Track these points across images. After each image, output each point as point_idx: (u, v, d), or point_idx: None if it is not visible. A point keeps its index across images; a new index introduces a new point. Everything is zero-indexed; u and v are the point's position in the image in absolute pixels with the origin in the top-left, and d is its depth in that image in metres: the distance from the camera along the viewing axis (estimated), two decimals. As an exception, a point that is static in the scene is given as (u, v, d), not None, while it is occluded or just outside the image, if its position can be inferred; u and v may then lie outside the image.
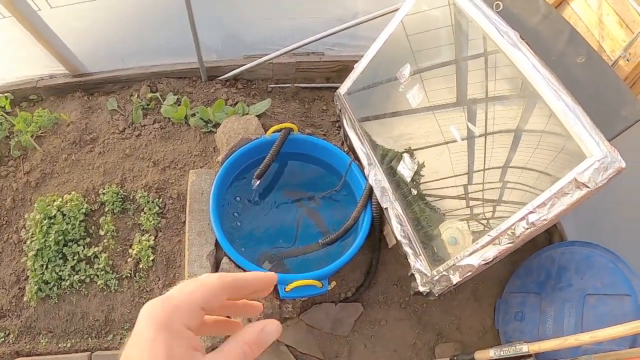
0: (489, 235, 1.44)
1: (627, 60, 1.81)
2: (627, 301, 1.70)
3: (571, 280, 1.81)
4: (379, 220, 1.73)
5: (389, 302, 1.84)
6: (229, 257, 1.68)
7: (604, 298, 1.74)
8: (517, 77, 1.47)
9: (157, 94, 2.05)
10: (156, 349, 0.40)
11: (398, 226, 1.63)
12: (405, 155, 1.64)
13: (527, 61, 1.46)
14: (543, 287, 1.86)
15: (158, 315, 0.41)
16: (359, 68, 1.80)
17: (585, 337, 1.52)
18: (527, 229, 1.36)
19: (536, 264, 1.92)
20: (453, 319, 1.89)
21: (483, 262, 1.45)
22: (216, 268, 1.72)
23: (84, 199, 1.94)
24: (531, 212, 1.35)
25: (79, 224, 1.91)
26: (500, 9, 1.82)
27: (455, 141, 1.55)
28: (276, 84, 2.16)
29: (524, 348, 1.63)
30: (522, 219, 1.37)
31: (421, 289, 1.63)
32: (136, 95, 2.08)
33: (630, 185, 1.83)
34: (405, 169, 1.64)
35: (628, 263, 1.76)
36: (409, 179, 1.62)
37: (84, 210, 1.92)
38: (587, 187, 1.25)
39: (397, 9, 1.76)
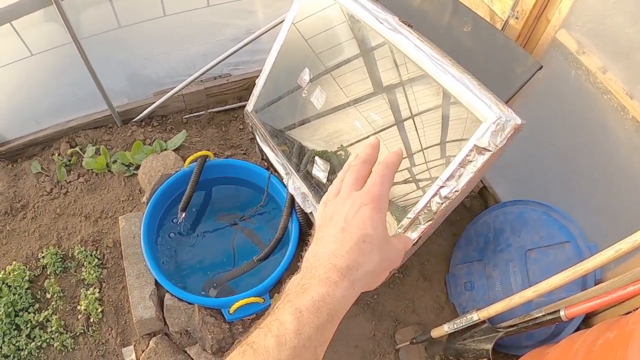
0: (407, 217, 1.47)
1: (517, 18, 1.86)
2: (568, 247, 1.73)
3: (509, 240, 1.85)
4: (307, 225, 1.75)
5: (338, 301, 1.86)
6: (171, 293, 1.70)
7: (545, 250, 1.78)
8: (407, 60, 1.48)
9: (77, 148, 2.06)
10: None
11: (325, 228, 1.66)
12: (317, 158, 1.67)
13: (409, 43, 1.48)
14: (484, 253, 1.90)
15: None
16: (259, 83, 1.83)
17: (528, 293, 1.56)
18: (442, 203, 1.39)
19: (474, 233, 1.96)
20: (407, 302, 1.92)
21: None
22: (160, 306, 1.73)
23: (26, 267, 1.95)
24: (442, 187, 1.37)
25: (25, 292, 1.91)
26: (379, -3, 1.86)
27: (382, 130, 1.56)
28: (190, 113, 2.18)
29: (475, 316, 1.65)
30: (435, 194, 1.39)
31: (360, 283, 1.66)
32: (57, 154, 2.09)
33: (549, 132, 1.87)
34: (319, 172, 1.67)
35: (561, 210, 1.80)
36: (324, 180, 1.65)
37: (27, 278, 1.93)
38: (489, 150, 1.27)
39: (282, 21, 1.79)
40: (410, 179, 1.51)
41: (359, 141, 1.66)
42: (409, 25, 1.55)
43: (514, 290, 1.78)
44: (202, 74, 1.97)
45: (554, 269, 1.63)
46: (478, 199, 2.14)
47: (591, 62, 1.69)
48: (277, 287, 1.76)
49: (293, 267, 1.70)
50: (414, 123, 1.51)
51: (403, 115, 1.54)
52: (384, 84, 1.59)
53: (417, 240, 1.49)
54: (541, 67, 1.59)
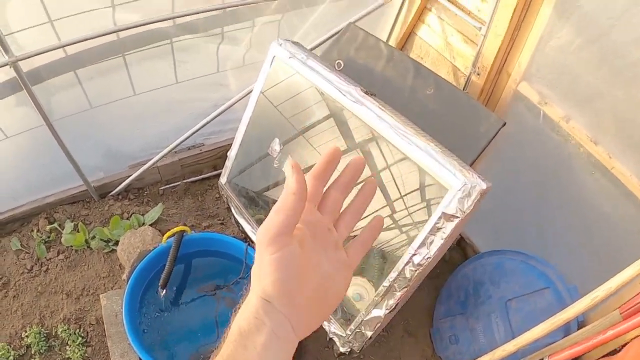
0: (383, 285, 1.49)
1: (478, 74, 1.91)
2: (548, 293, 1.76)
3: (489, 292, 1.88)
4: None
5: (324, 365, 1.88)
6: (156, 372, 1.70)
7: (525, 298, 1.80)
8: (370, 131, 1.49)
9: (55, 224, 2.07)
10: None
11: (303, 297, 1.67)
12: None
13: (371, 114, 1.49)
14: (466, 306, 1.92)
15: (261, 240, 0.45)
16: (231, 155, 1.85)
17: (509, 347, 1.58)
18: (416, 270, 1.41)
19: (454, 286, 1.99)
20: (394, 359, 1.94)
21: (388, 311, 1.50)
22: (146, 385, 1.73)
23: (10, 346, 1.94)
24: (414, 255, 1.39)
25: (11, 374, 1.91)
26: (341, 67, 1.90)
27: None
28: (166, 184, 2.20)
29: (459, 372, 1.67)
30: (408, 262, 1.41)
31: (342, 349, 1.67)
32: (36, 230, 2.10)
33: (520, 182, 1.91)
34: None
35: (539, 257, 1.83)
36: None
37: (12, 358, 1.92)
38: (457, 217, 1.29)
39: (250, 91, 1.81)
40: (390, 244, 1.53)
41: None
42: (372, 95, 1.57)
43: (498, 341, 1.80)
44: (176, 146, 2.00)
45: (536, 317, 1.64)
46: (457, 250, 2.17)
47: (554, 112, 1.73)
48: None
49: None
50: (396, 185, 1.52)
51: (379, 178, 1.55)
52: (356, 141, 1.60)
53: (396, 306, 1.50)
54: (504, 123, 1.62)
